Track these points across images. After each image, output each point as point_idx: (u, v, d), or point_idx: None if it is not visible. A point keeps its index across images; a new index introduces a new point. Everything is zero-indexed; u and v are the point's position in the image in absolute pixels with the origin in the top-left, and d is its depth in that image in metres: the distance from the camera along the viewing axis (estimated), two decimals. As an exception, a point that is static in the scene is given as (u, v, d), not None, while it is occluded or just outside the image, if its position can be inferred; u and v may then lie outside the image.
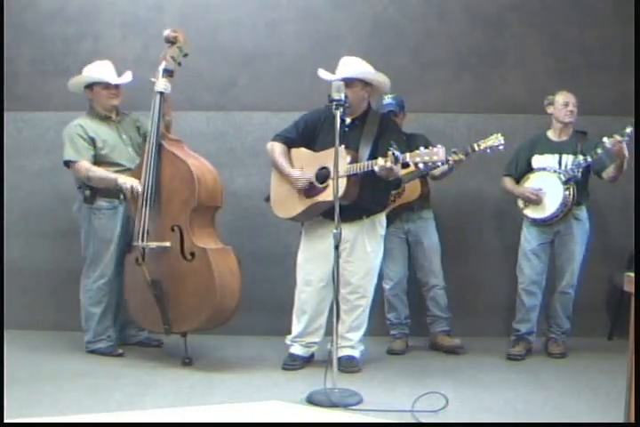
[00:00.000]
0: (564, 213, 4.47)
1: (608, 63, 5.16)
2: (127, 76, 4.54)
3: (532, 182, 4.58)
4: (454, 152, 4.38)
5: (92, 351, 4.47)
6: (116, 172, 4.42)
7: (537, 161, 4.58)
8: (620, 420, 2.83)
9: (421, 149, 3.87)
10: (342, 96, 3.72)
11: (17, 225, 5.14)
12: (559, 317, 4.61)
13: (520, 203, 4.64)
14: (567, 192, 4.42)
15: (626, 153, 4.20)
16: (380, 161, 3.92)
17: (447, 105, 4.82)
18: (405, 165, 4.01)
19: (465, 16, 5.21)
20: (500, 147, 4.28)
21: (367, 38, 5.16)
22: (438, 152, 3.82)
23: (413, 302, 4.83)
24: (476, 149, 4.33)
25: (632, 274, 2.71)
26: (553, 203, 4.47)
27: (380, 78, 4.21)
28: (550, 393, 3.87)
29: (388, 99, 4.64)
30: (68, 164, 4.44)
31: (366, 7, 5.21)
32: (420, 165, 3.93)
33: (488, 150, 4.32)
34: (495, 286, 5.18)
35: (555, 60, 5.20)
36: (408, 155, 3.89)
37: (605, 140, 4.22)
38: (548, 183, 4.50)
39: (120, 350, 4.48)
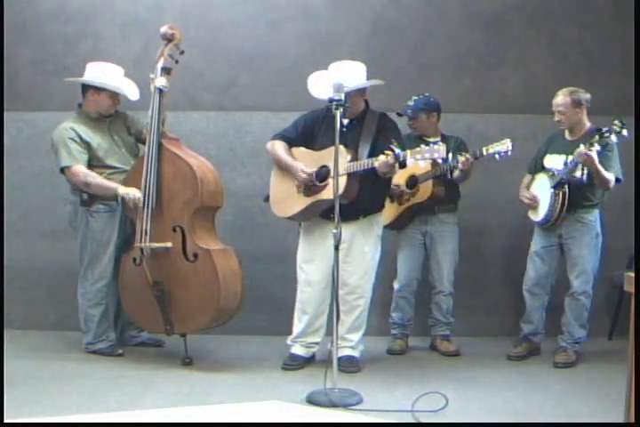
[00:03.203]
0: (556, 218, 4.38)
1: (608, 63, 5.16)
2: (137, 93, 4.50)
3: (533, 185, 4.55)
4: (460, 154, 4.38)
5: (92, 352, 4.46)
6: (111, 174, 4.38)
7: (548, 160, 4.51)
8: (620, 420, 2.84)
9: (422, 146, 3.91)
10: (342, 96, 3.73)
11: (17, 225, 5.14)
12: (571, 324, 4.48)
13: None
14: (555, 197, 4.34)
15: (594, 164, 4.14)
16: (382, 157, 3.92)
17: (447, 105, 4.81)
18: (403, 165, 4.01)
19: (465, 16, 5.21)
20: (509, 153, 4.23)
21: (367, 38, 5.16)
22: (439, 149, 3.85)
23: (418, 303, 4.83)
24: (484, 153, 4.30)
25: (632, 274, 2.71)
26: (544, 207, 4.43)
27: (373, 83, 4.20)
28: (550, 393, 3.87)
29: (410, 101, 4.66)
30: (63, 170, 4.36)
31: (366, 7, 5.21)
32: (422, 163, 3.96)
33: (496, 155, 4.27)
34: (495, 286, 5.19)
35: (555, 60, 5.20)
36: (409, 152, 3.90)
37: (577, 149, 4.19)
38: (542, 187, 4.46)
39: (120, 351, 4.47)
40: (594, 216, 4.44)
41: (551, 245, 4.53)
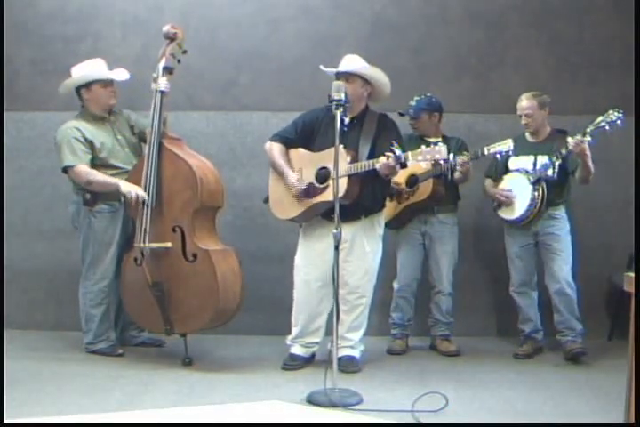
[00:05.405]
0: (534, 214, 4.44)
1: (608, 63, 5.16)
2: (125, 73, 4.50)
3: (504, 184, 4.58)
4: (462, 154, 4.40)
5: (93, 352, 4.46)
6: (114, 174, 4.38)
7: (513, 163, 4.56)
8: (620, 420, 2.84)
9: (423, 147, 3.93)
10: (342, 96, 3.73)
11: (17, 225, 5.14)
12: (568, 320, 4.50)
13: (494, 204, 4.64)
14: (536, 193, 4.40)
15: (587, 153, 4.21)
16: (383, 159, 3.92)
17: (447, 105, 4.81)
18: (404, 166, 4.02)
19: (465, 16, 5.21)
20: (510, 153, 4.27)
21: (367, 38, 5.16)
22: (440, 150, 3.85)
23: (418, 303, 4.83)
24: (485, 152, 4.32)
25: (632, 274, 2.71)
26: (522, 204, 4.46)
27: (378, 76, 4.21)
28: (550, 393, 3.87)
29: (412, 101, 4.68)
30: (66, 169, 4.36)
31: (366, 7, 5.21)
32: (423, 164, 3.97)
33: (497, 155, 4.30)
34: (495, 287, 5.18)
35: (555, 60, 5.20)
36: (410, 153, 3.91)
37: (569, 140, 4.23)
38: (518, 184, 4.49)
39: (120, 351, 4.47)
40: (564, 212, 4.55)
41: (528, 244, 4.60)
